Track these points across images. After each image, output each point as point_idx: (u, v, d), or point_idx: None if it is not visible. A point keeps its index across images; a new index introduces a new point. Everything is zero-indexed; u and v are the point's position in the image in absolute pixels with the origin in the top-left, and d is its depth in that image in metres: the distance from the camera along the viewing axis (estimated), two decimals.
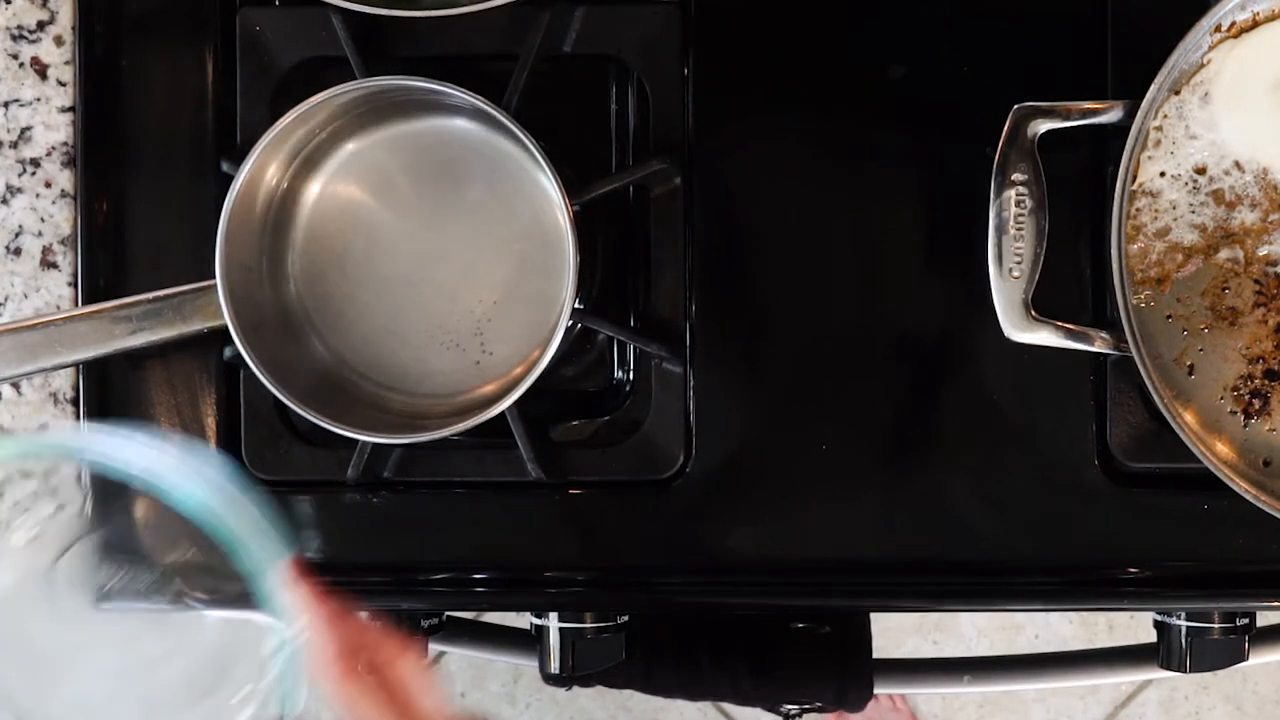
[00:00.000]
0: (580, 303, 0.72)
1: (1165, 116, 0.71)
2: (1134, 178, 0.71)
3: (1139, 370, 0.67)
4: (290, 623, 0.59)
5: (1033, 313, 0.68)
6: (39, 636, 0.65)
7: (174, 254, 0.75)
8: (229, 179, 0.70)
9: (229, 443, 0.76)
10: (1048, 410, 0.75)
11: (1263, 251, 0.72)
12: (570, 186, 0.67)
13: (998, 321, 0.69)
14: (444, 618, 0.85)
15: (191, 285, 0.71)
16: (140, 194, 0.76)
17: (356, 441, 0.71)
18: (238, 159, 0.71)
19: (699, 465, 0.75)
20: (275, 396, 0.72)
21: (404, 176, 0.75)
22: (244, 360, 0.70)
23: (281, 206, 0.74)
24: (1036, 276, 0.68)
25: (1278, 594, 0.75)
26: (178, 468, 0.58)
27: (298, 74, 0.75)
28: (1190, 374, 0.72)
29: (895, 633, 1.70)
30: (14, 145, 0.78)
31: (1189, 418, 0.71)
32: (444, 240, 0.74)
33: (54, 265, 0.78)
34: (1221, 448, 0.71)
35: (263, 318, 0.73)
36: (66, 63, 0.77)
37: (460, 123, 0.74)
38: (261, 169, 0.71)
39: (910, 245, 0.75)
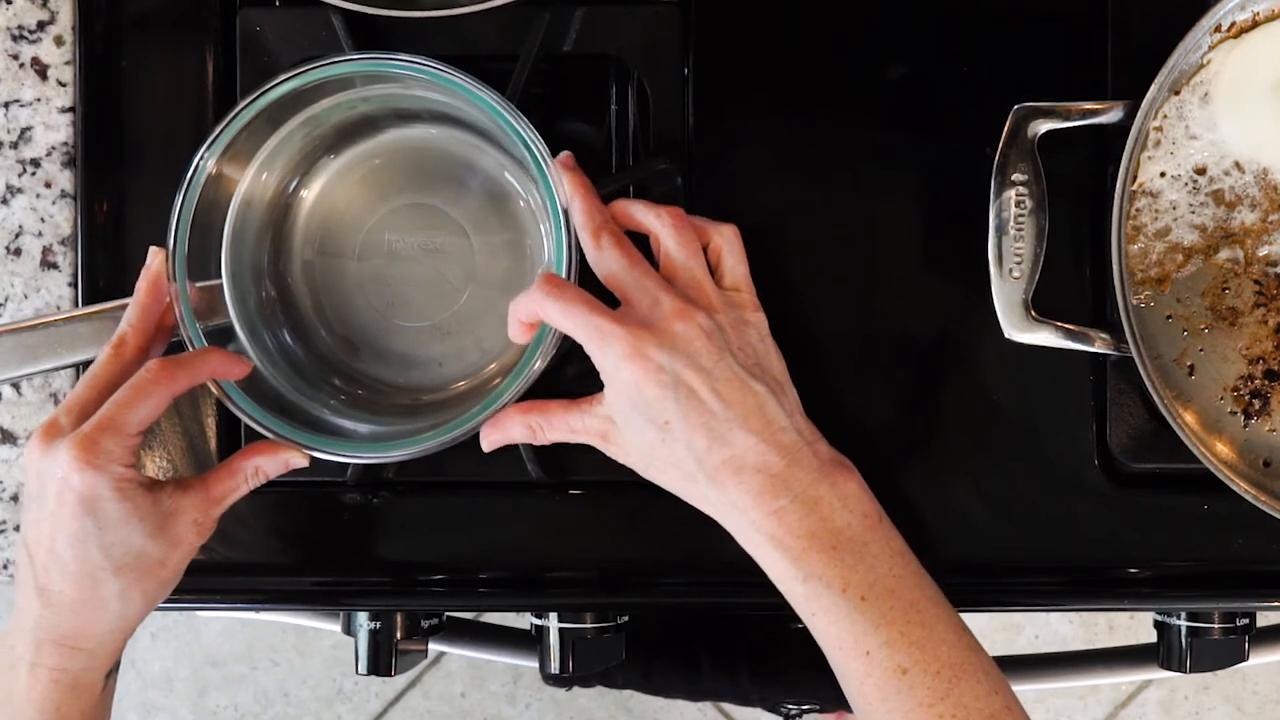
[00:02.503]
0: None
1: (1165, 117, 0.71)
2: (1134, 178, 0.71)
3: (1139, 370, 0.67)
4: (563, 196, 0.67)
5: (1033, 313, 0.69)
6: None
7: None
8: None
9: (229, 442, 0.76)
10: (1048, 410, 0.75)
11: (1263, 252, 0.72)
12: None
13: (998, 322, 0.69)
14: (444, 618, 0.85)
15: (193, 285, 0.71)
16: (140, 194, 0.76)
17: (356, 437, 0.71)
18: (239, 159, 0.71)
19: None
20: (276, 394, 0.72)
21: (404, 177, 0.75)
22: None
23: (285, 206, 0.74)
24: (1036, 276, 0.68)
25: (1278, 594, 0.75)
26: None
27: None
28: (1190, 374, 0.72)
29: None
30: (14, 145, 0.78)
31: (1189, 418, 0.71)
32: (444, 240, 0.74)
33: (54, 265, 0.78)
34: (1221, 448, 0.72)
35: (264, 316, 0.73)
36: (66, 63, 0.77)
37: (460, 125, 0.74)
38: (264, 170, 0.71)
39: (910, 245, 0.75)
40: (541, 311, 0.64)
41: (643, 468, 0.66)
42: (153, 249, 0.68)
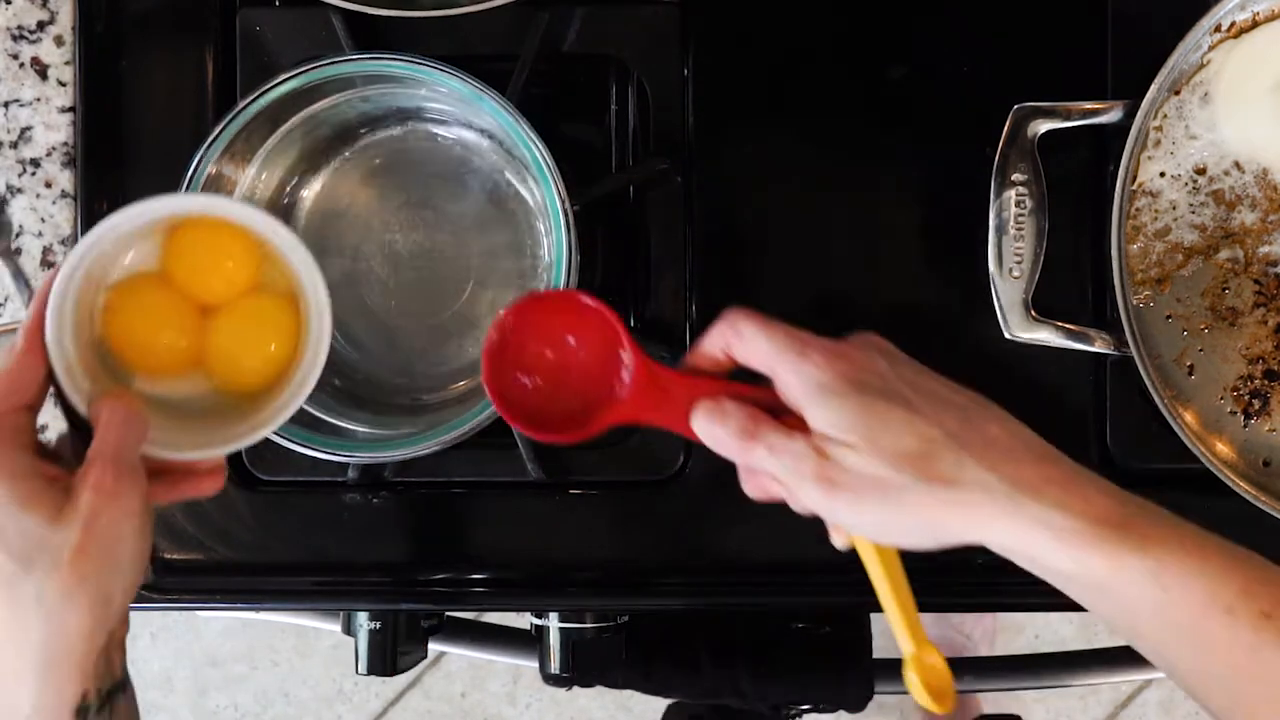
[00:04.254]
0: None
1: (1165, 116, 0.71)
2: (1134, 178, 0.71)
3: (1139, 370, 0.67)
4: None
5: (1033, 313, 0.69)
6: None
7: None
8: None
9: None
10: (1048, 410, 0.74)
11: (1263, 251, 0.72)
12: (570, 186, 0.67)
13: (998, 321, 0.69)
14: (444, 618, 0.85)
15: None
16: (140, 194, 0.76)
17: (356, 437, 0.71)
18: (239, 159, 0.71)
19: (698, 465, 0.75)
20: None
21: (404, 177, 0.75)
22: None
23: (285, 206, 0.74)
24: (1036, 276, 0.68)
25: None
26: None
27: None
28: (1190, 374, 0.72)
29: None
30: (14, 145, 0.78)
31: (1189, 418, 0.71)
32: (444, 240, 0.74)
33: (54, 265, 0.78)
34: (1221, 448, 0.72)
35: None
36: (66, 63, 0.77)
37: (460, 124, 0.74)
38: (264, 171, 0.71)
39: (910, 245, 0.75)
40: (740, 336, 0.59)
41: (880, 491, 0.56)
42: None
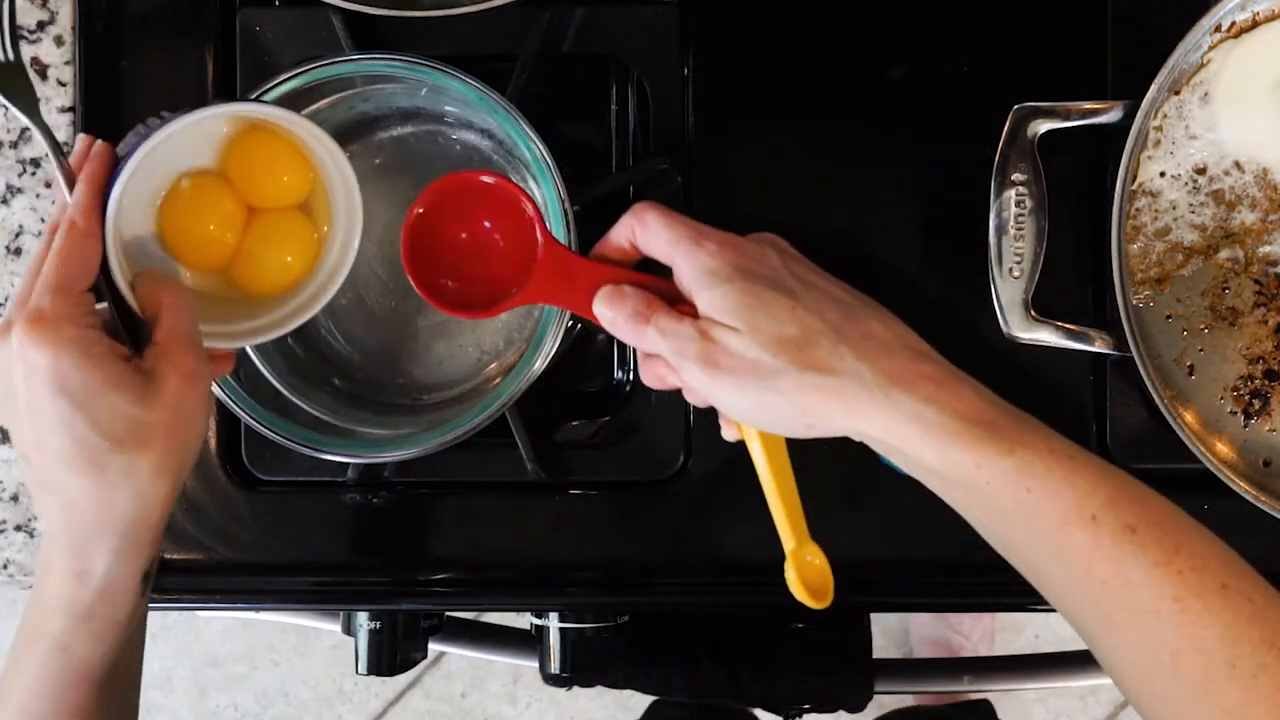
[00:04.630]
0: None
1: (1165, 116, 0.71)
2: (1134, 178, 0.71)
3: (1139, 370, 0.67)
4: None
5: (1033, 313, 0.69)
6: None
7: None
8: None
9: (230, 441, 0.76)
10: (1048, 410, 0.74)
11: (1263, 251, 0.72)
12: (570, 186, 0.67)
13: (998, 321, 0.69)
14: (444, 618, 0.85)
15: None
16: None
17: (356, 437, 0.71)
18: None
19: (698, 465, 0.75)
20: (276, 391, 0.72)
21: (404, 177, 0.75)
22: (248, 359, 0.71)
23: None
24: (1036, 276, 0.68)
25: None
26: None
27: None
28: (1190, 374, 0.72)
29: (895, 632, 1.70)
30: (14, 145, 0.78)
31: (1189, 418, 0.71)
32: None
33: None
34: (1221, 448, 0.72)
35: None
36: (66, 63, 0.77)
37: (460, 124, 0.74)
38: None
39: (911, 245, 0.75)
40: (644, 226, 0.61)
41: (757, 375, 0.57)
42: (80, 136, 0.63)
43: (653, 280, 0.63)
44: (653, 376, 0.62)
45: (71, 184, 0.61)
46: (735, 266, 0.59)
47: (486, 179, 0.62)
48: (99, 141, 0.62)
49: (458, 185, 0.62)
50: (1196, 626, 0.51)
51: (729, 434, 0.63)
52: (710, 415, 0.74)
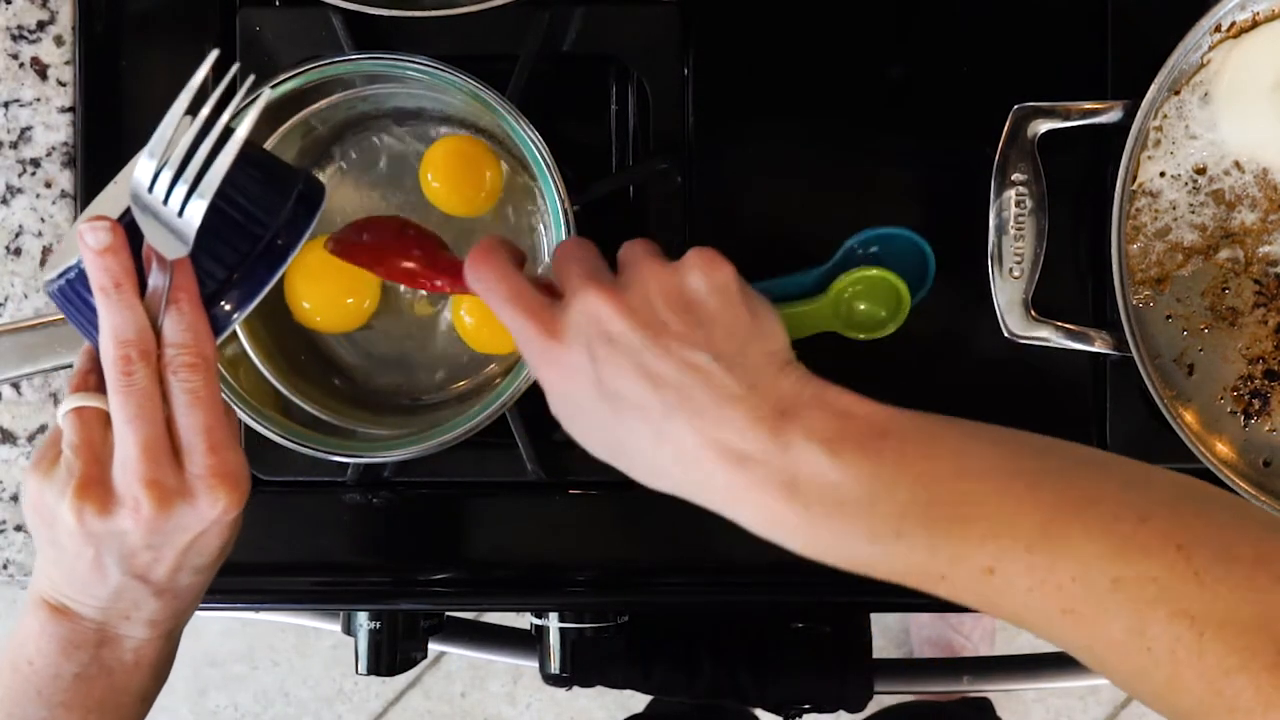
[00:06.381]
0: None
1: (1165, 116, 0.71)
2: (1134, 178, 0.71)
3: (1139, 370, 0.67)
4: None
5: (1033, 313, 0.69)
6: None
7: None
8: None
9: None
10: (1048, 410, 0.75)
11: (1263, 251, 0.72)
12: (570, 186, 0.67)
13: (998, 321, 0.69)
14: (444, 618, 0.85)
15: None
16: None
17: (356, 437, 0.71)
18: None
19: None
20: (276, 391, 0.72)
21: (404, 178, 0.75)
22: (248, 358, 0.71)
23: None
24: (1036, 276, 0.68)
25: None
26: None
27: None
28: (1190, 374, 0.72)
29: (895, 633, 1.70)
30: (14, 145, 0.78)
31: (1189, 418, 0.71)
32: (444, 239, 0.74)
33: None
34: (1221, 448, 0.72)
35: (266, 316, 0.73)
36: (66, 63, 0.77)
37: (460, 125, 0.74)
38: None
39: None
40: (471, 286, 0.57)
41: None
42: (86, 225, 0.55)
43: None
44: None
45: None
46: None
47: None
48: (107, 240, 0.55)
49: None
50: (1097, 628, 0.47)
51: None
52: None
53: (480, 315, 0.70)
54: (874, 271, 0.68)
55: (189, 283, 0.56)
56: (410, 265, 0.63)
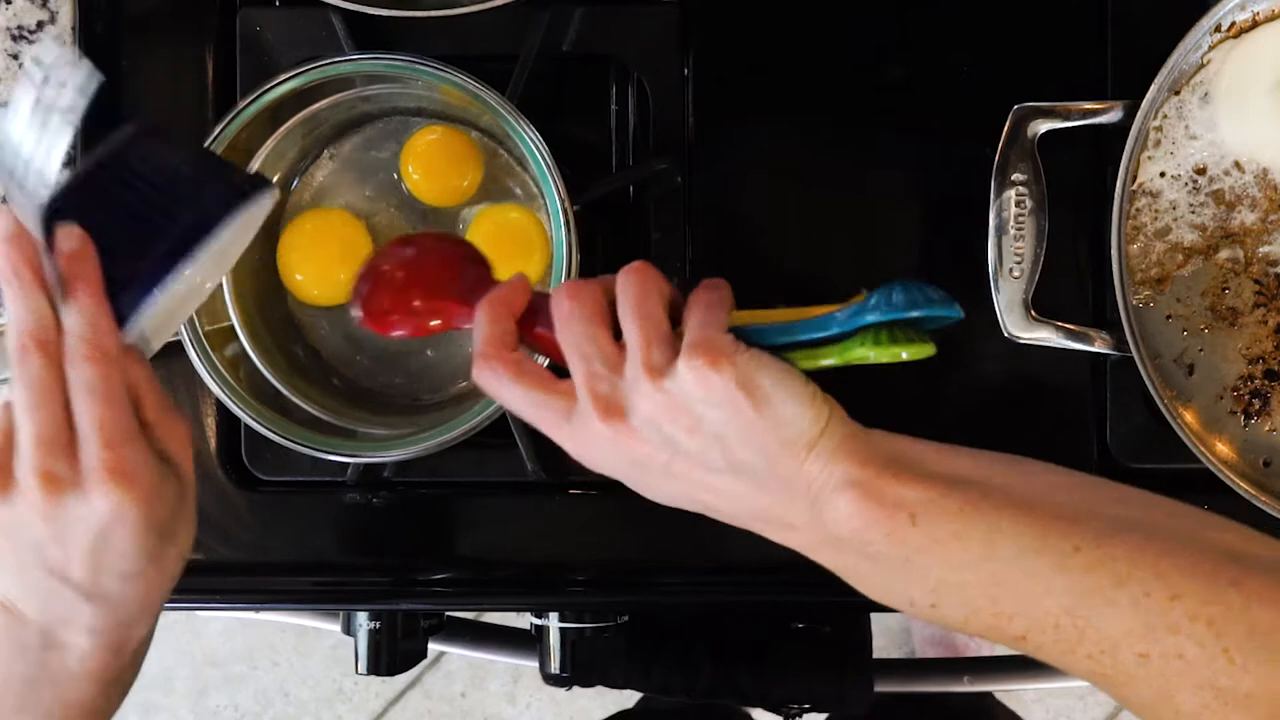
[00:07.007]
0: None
1: (1165, 116, 0.71)
2: (1134, 178, 0.71)
3: (1139, 370, 0.67)
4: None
5: (1033, 313, 0.69)
6: None
7: None
8: None
9: (230, 441, 0.76)
10: (1048, 410, 0.75)
11: (1263, 251, 0.72)
12: (570, 186, 0.67)
13: (998, 321, 0.69)
14: (444, 618, 0.85)
15: None
16: None
17: (356, 437, 0.71)
18: (240, 158, 0.71)
19: None
20: (276, 391, 0.72)
21: (398, 175, 0.75)
22: (248, 358, 0.71)
23: (285, 206, 0.74)
24: (1036, 276, 0.68)
25: None
26: None
27: None
28: (1190, 374, 0.72)
29: (896, 633, 1.70)
30: None
31: (1189, 418, 0.71)
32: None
33: None
34: (1221, 448, 0.71)
35: (265, 315, 0.73)
36: None
37: (460, 124, 0.74)
38: (264, 170, 0.71)
39: (911, 245, 0.75)
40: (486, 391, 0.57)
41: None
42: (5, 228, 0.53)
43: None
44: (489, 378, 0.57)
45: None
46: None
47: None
48: (67, 230, 0.53)
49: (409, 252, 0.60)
50: (1126, 690, 0.50)
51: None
52: None
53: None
54: (903, 354, 0.58)
55: (86, 271, 0.54)
56: (433, 321, 0.59)
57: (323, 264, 0.72)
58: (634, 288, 0.54)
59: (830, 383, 0.74)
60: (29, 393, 0.54)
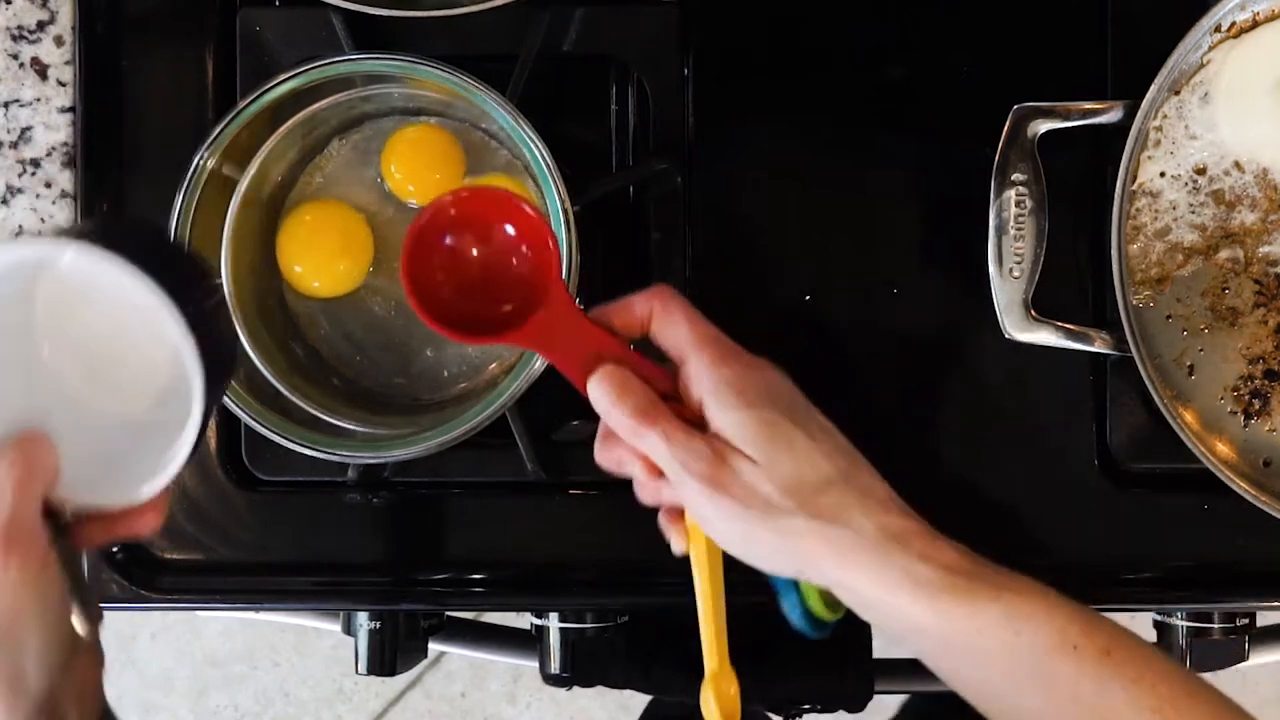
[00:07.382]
0: (582, 304, 0.72)
1: (1165, 116, 0.71)
2: (1134, 178, 0.71)
3: (1139, 370, 0.67)
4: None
5: (1033, 313, 0.69)
6: None
7: None
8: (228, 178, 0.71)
9: (230, 441, 0.76)
10: (1048, 410, 0.75)
11: (1263, 251, 0.72)
12: (570, 186, 0.67)
13: (998, 322, 0.69)
14: (444, 618, 0.85)
15: None
16: (140, 194, 0.76)
17: (356, 437, 0.71)
18: (240, 159, 0.71)
19: None
20: (276, 391, 0.72)
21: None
22: (247, 358, 0.71)
23: (286, 206, 0.74)
24: (1036, 276, 0.68)
25: (1278, 594, 0.75)
26: None
27: None
28: (1190, 374, 0.72)
29: None
30: (14, 145, 0.78)
31: (1189, 418, 0.71)
32: None
33: None
34: (1221, 448, 0.71)
35: (265, 315, 0.73)
36: (66, 63, 0.77)
37: (460, 125, 0.74)
38: (264, 170, 0.71)
39: (911, 245, 0.75)
40: (668, 313, 0.59)
41: (763, 511, 0.57)
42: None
43: (649, 368, 0.60)
44: (611, 460, 0.61)
45: None
46: (759, 390, 0.58)
47: (527, 209, 0.59)
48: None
49: (484, 198, 0.59)
50: None
51: (679, 548, 0.62)
52: None
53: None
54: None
55: None
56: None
57: (322, 255, 0.72)
58: (617, 415, 0.58)
59: (829, 388, 0.75)
60: None
